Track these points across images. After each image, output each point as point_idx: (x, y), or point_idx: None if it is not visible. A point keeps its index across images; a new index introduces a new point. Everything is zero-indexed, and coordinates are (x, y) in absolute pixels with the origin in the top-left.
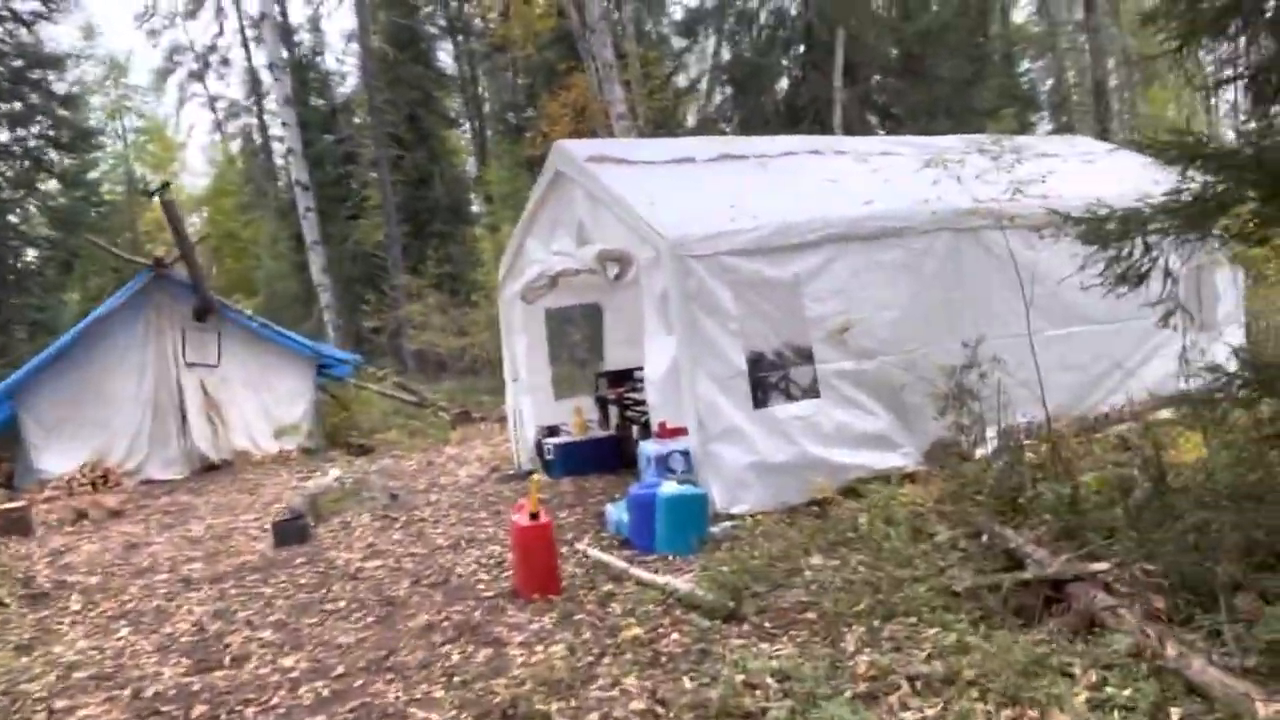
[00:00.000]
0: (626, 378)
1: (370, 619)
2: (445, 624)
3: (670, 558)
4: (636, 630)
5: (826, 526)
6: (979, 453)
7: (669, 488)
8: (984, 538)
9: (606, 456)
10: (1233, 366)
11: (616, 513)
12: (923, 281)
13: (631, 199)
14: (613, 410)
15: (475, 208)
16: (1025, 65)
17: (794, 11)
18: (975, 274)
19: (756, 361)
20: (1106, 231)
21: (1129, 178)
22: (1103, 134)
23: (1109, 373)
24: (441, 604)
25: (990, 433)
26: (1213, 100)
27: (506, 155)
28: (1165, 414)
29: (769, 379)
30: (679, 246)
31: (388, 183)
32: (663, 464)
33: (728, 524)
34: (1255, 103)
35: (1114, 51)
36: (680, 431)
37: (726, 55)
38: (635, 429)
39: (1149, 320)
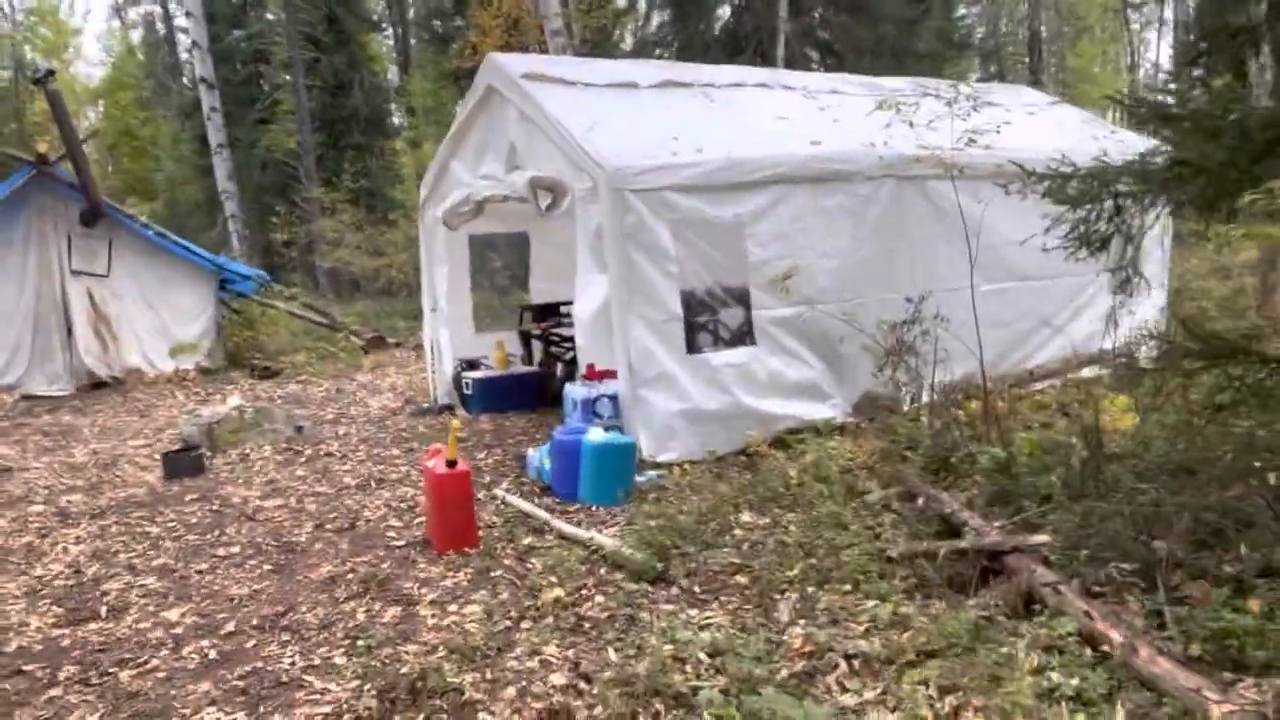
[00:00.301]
0: (552, 312)
1: (267, 567)
2: (350, 576)
3: (594, 508)
4: (558, 591)
5: (756, 481)
6: (912, 407)
7: (596, 435)
8: (919, 501)
9: (528, 394)
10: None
11: (538, 457)
12: (866, 229)
13: (570, 123)
14: (536, 346)
15: (396, 120)
16: (962, 11)
17: None
18: (918, 224)
19: (691, 305)
20: (1076, 190)
21: (1072, 133)
22: (1034, 84)
23: (1037, 329)
24: (347, 553)
25: (924, 387)
26: (1137, 59)
27: (431, 66)
28: (1087, 373)
29: (704, 323)
30: (618, 179)
31: (302, 87)
32: (589, 408)
33: (654, 473)
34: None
35: (1048, 3)
36: (609, 374)
37: None
38: (560, 366)
39: (1079, 278)
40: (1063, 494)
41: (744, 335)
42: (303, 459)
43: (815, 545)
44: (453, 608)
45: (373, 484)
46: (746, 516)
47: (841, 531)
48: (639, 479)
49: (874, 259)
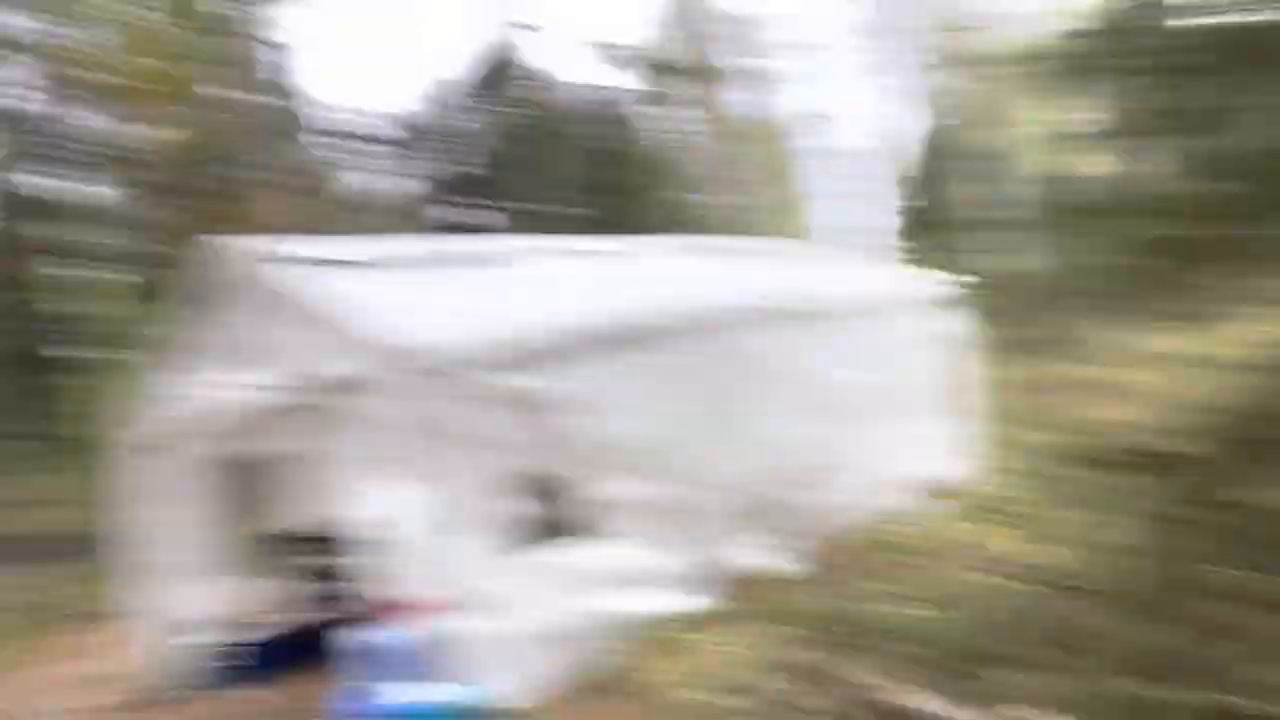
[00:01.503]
0: (320, 540)
1: None
2: None
3: None
4: None
5: (653, 709)
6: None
7: (444, 691)
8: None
9: (299, 651)
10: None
11: None
12: (702, 387)
13: (341, 304)
14: (304, 586)
15: None
16: None
17: None
18: (735, 376)
19: (531, 499)
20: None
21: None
22: None
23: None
24: None
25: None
26: None
27: None
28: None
29: (543, 517)
30: (419, 360)
31: None
32: (405, 660)
33: None
34: None
35: None
36: (434, 606)
37: None
38: (338, 609)
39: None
40: (1018, 649)
41: (593, 525)
42: None
43: None
44: None
45: None
46: None
47: None
48: None
49: (711, 418)
